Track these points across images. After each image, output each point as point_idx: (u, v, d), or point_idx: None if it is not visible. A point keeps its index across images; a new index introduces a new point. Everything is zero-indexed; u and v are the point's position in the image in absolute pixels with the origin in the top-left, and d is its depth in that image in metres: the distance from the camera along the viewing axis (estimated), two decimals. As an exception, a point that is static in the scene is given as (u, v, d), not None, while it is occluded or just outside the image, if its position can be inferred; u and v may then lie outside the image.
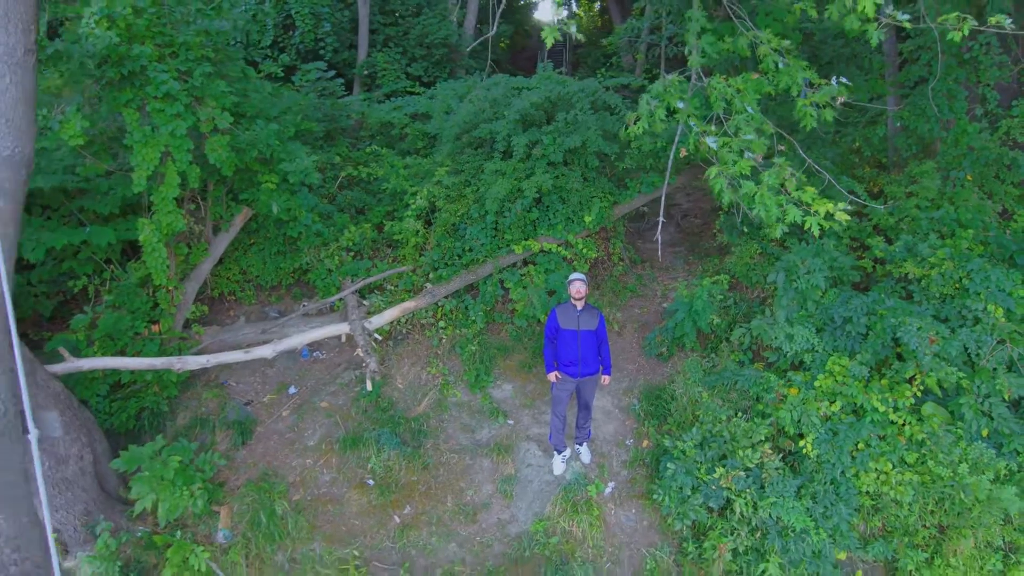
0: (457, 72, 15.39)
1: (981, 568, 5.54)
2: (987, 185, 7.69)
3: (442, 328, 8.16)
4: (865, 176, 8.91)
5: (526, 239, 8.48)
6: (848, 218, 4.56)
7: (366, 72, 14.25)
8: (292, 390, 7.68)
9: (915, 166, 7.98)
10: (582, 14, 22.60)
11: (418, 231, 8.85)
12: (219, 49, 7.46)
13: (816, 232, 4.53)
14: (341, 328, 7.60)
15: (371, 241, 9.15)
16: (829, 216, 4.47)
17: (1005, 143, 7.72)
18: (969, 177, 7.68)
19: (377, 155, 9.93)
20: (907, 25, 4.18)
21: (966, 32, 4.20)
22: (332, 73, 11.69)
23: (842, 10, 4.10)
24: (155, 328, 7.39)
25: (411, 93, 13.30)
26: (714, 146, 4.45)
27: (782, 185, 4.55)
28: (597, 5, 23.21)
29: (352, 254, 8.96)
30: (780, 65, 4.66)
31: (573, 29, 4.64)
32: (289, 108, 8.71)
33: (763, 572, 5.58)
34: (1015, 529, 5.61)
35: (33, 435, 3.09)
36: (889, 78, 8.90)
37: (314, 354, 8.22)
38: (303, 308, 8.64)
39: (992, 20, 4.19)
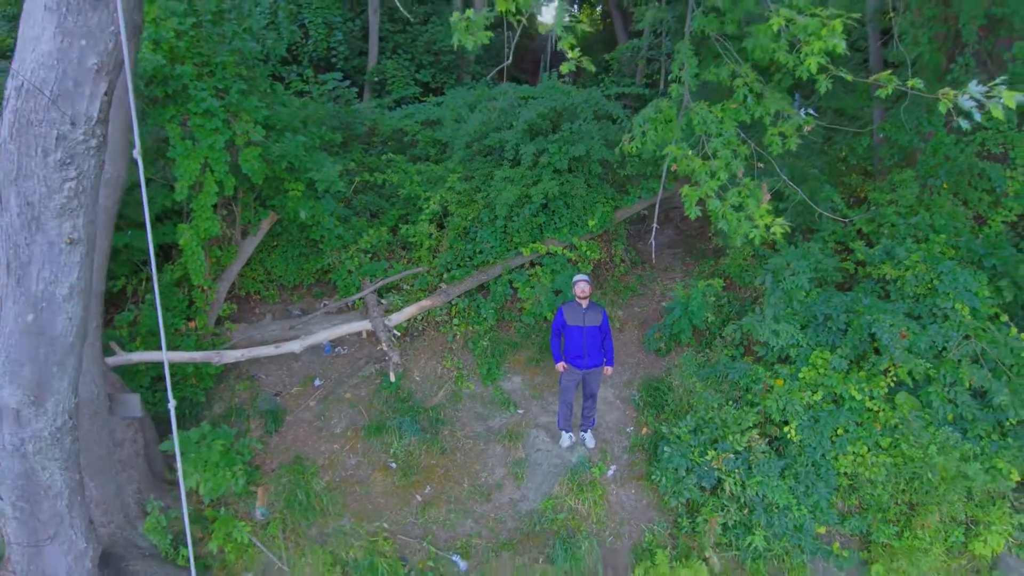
0: (464, 78, 16.10)
1: (945, 540, 6.24)
2: (962, 193, 8.38)
3: (455, 325, 8.87)
4: (852, 183, 9.63)
5: (533, 242, 9.18)
6: (785, 230, 5.26)
7: (376, 79, 14.95)
8: (317, 382, 8.40)
9: (896, 174, 8.68)
10: (584, 18, 23.27)
11: (431, 234, 9.56)
12: (250, 67, 8.19)
13: (758, 242, 5.25)
14: (363, 325, 8.31)
15: (386, 243, 9.85)
16: (768, 228, 5.16)
17: (980, 154, 8.41)
18: (945, 185, 8.37)
19: (392, 162, 10.61)
20: (849, 78, 4.88)
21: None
22: (348, 83, 12.38)
23: (795, 62, 4.79)
24: (191, 325, 8.11)
25: (419, 100, 14.03)
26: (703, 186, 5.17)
27: (742, 204, 5.26)
28: (599, 8, 23.90)
29: (369, 256, 9.67)
30: (750, 100, 5.37)
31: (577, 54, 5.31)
32: (312, 119, 9.41)
33: (750, 544, 6.29)
34: (976, 505, 6.31)
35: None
36: (874, 91, 9.59)
37: (336, 349, 8.93)
38: (324, 307, 9.36)
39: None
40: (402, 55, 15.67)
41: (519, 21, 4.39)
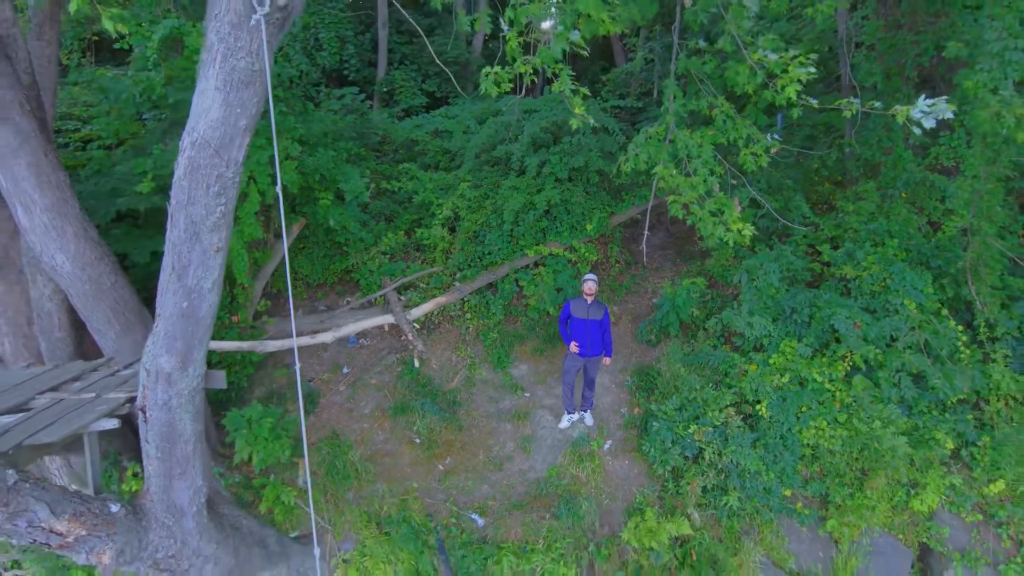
0: (468, 88, 17.33)
1: (891, 499, 7.52)
2: (919, 201, 9.68)
3: (468, 319, 10.11)
4: (824, 192, 10.94)
5: (537, 244, 10.41)
6: (751, 233, 6.53)
7: (385, 89, 16.17)
8: (345, 370, 9.63)
9: (861, 185, 9.97)
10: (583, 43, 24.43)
11: (444, 237, 10.80)
12: (286, 88, 9.41)
13: (731, 243, 6.53)
14: (387, 319, 9.55)
15: (402, 246, 11.08)
16: (740, 232, 6.44)
17: (933, 167, 9.70)
18: (904, 195, 9.67)
19: (407, 171, 11.83)
20: (815, 106, 6.16)
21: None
22: (363, 96, 13.60)
23: (772, 95, 6.05)
24: (235, 319, 9.32)
25: (426, 110, 15.28)
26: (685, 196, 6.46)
27: (720, 211, 6.52)
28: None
29: (388, 256, 10.89)
30: (727, 124, 6.65)
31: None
32: (336, 134, 10.63)
33: (726, 504, 7.55)
34: (916, 470, 7.59)
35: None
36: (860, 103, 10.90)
37: (360, 341, 10.16)
38: (348, 304, 10.57)
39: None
40: (409, 66, 16.91)
41: (533, 81, 5.62)
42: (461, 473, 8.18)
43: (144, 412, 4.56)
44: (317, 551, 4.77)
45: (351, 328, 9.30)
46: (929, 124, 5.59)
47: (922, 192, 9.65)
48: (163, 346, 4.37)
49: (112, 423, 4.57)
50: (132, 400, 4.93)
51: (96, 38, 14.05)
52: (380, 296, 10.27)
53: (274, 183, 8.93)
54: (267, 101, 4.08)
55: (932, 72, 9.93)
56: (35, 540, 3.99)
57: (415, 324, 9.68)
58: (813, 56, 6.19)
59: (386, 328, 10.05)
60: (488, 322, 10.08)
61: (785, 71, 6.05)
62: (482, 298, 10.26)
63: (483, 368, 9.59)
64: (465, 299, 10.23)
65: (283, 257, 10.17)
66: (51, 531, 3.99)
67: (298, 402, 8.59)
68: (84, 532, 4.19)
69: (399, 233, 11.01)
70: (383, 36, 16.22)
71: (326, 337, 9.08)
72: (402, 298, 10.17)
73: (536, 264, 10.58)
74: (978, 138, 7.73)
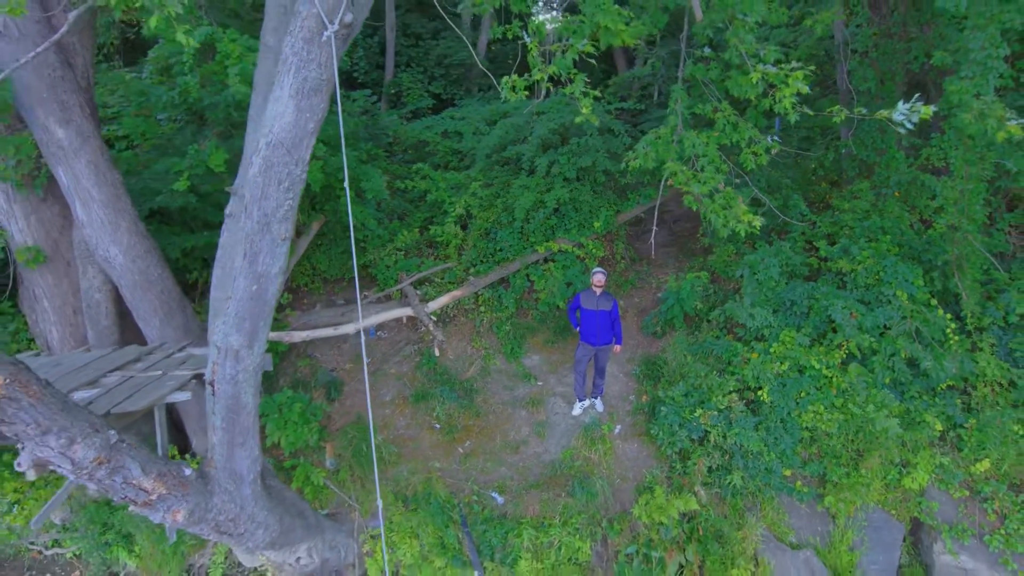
0: (472, 89, 17.95)
1: (884, 478, 8.12)
2: (911, 200, 10.31)
3: (482, 312, 10.69)
4: (821, 191, 11.57)
5: (547, 241, 11.00)
6: (760, 223, 7.12)
7: (392, 91, 16.75)
8: (366, 360, 10.17)
9: (857, 184, 10.61)
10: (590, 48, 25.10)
11: (457, 234, 11.38)
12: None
13: (743, 233, 7.12)
14: (406, 311, 10.12)
15: (415, 242, 11.65)
16: (750, 224, 7.04)
17: (924, 167, 10.33)
18: (897, 193, 10.30)
19: (420, 170, 12.41)
20: (811, 113, 6.76)
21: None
22: (376, 98, 14.17)
23: (770, 103, 6.66)
24: (260, 311, 9.86)
25: (432, 111, 15.86)
26: (696, 191, 7.06)
27: (729, 205, 7.13)
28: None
29: (403, 253, 11.45)
30: (728, 128, 7.26)
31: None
32: (355, 135, 11.21)
33: (730, 482, 8.14)
34: (908, 450, 8.20)
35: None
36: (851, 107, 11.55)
37: (379, 333, 10.72)
38: (366, 298, 11.13)
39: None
40: (415, 68, 17.50)
41: (549, 88, 6.22)
42: (480, 456, 8.76)
43: (213, 385, 5.12)
44: (380, 503, 5.31)
45: (372, 320, 9.86)
46: (909, 125, 6.25)
47: (914, 191, 10.27)
48: (233, 325, 4.93)
49: (185, 395, 5.14)
50: (197, 377, 5.49)
51: (114, 43, 14.55)
52: (397, 290, 10.82)
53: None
54: (327, 107, 4.66)
55: (924, 77, 10.57)
56: (126, 496, 4.54)
57: (432, 316, 10.24)
58: (810, 67, 6.83)
59: (404, 320, 10.62)
60: (501, 315, 10.66)
61: (785, 83, 6.65)
62: (495, 292, 10.83)
63: (497, 358, 10.17)
64: (479, 293, 10.81)
65: (302, 253, 10.75)
66: (140, 488, 4.54)
67: (320, 390, 9.17)
68: (164, 491, 4.74)
69: (413, 231, 11.59)
70: (391, 39, 16.80)
71: (348, 328, 9.64)
72: (418, 292, 10.73)
73: (546, 260, 11.16)
74: (962, 140, 8.36)
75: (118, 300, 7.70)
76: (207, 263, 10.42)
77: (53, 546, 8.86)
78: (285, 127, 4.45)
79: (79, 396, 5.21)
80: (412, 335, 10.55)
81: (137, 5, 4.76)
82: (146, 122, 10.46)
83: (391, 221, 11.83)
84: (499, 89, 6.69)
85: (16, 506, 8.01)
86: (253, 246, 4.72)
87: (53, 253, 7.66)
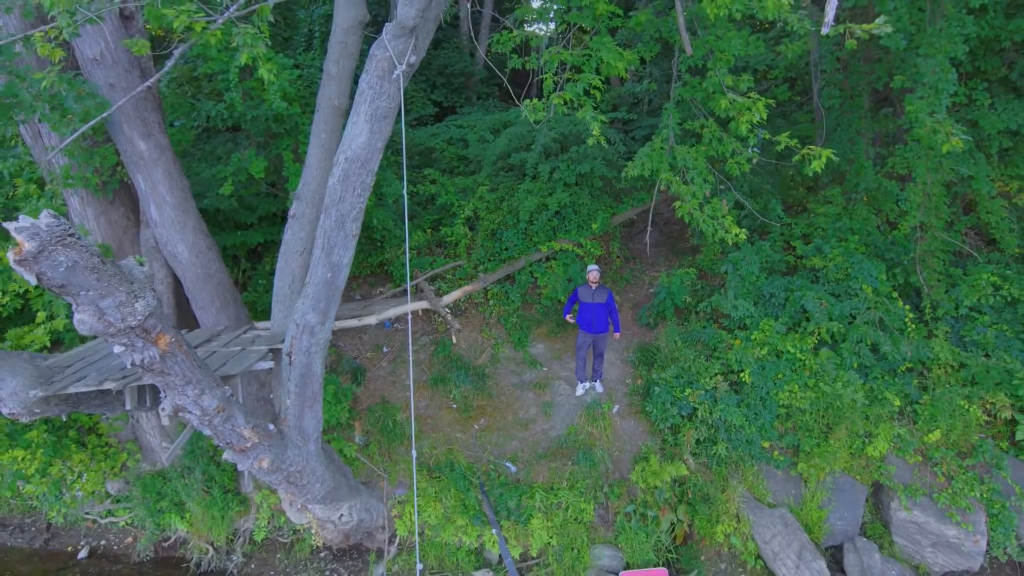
0: (472, 97, 19.26)
1: (849, 447, 9.49)
2: (878, 204, 11.75)
3: (491, 305, 11.99)
4: (798, 195, 12.99)
5: (549, 241, 12.33)
6: (745, 235, 8.45)
7: (398, 99, 17.99)
8: (385, 349, 11.45)
9: (830, 190, 12.03)
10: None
11: (466, 234, 12.68)
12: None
13: (730, 242, 8.45)
14: (422, 304, 11.39)
15: (426, 242, 12.92)
16: (735, 235, 8.38)
17: (889, 175, 11.77)
18: (865, 198, 11.74)
19: (430, 175, 13.68)
20: (767, 135, 8.13)
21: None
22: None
23: (734, 127, 8.00)
24: (290, 304, 11.09)
25: (435, 119, 17.14)
26: (688, 203, 8.41)
27: (716, 216, 8.47)
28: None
29: (416, 251, 12.73)
30: (715, 141, 8.62)
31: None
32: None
33: (715, 452, 9.48)
34: (870, 423, 9.57)
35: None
36: (817, 123, 13.01)
37: (395, 325, 11.99)
38: (381, 293, 12.39)
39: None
40: (418, 76, 18.76)
41: (563, 112, 7.53)
42: (494, 432, 10.05)
43: (290, 356, 6.38)
44: (414, 453, 6.58)
45: (392, 312, 11.12)
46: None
47: (880, 196, 11.71)
48: (311, 306, 6.21)
49: (268, 364, 6.41)
50: (273, 351, 6.76)
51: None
52: (413, 286, 12.09)
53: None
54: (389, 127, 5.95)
55: (889, 93, 12.04)
56: (230, 442, 5.79)
57: (446, 309, 11.52)
58: (783, 86, 8.21)
59: (419, 313, 11.89)
60: (508, 308, 11.96)
61: (749, 109, 7.97)
62: (502, 288, 12.14)
63: (506, 347, 11.48)
64: (487, 288, 12.10)
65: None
66: (241, 435, 5.80)
67: (345, 376, 10.41)
68: (256, 440, 6.00)
69: (426, 231, 12.87)
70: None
71: (370, 320, 10.89)
72: (432, 288, 12.01)
73: (548, 258, 12.48)
74: (924, 150, 9.77)
75: (177, 292, 8.92)
76: (236, 260, 11.68)
77: (107, 516, 10.03)
78: (361, 145, 5.75)
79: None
80: (427, 327, 11.82)
81: (233, 46, 6.00)
82: (181, 132, 11.70)
83: (404, 222, 13.08)
84: (496, 98, 7.94)
85: (83, 475, 9.19)
86: (330, 241, 6.01)
87: (118, 250, 8.86)
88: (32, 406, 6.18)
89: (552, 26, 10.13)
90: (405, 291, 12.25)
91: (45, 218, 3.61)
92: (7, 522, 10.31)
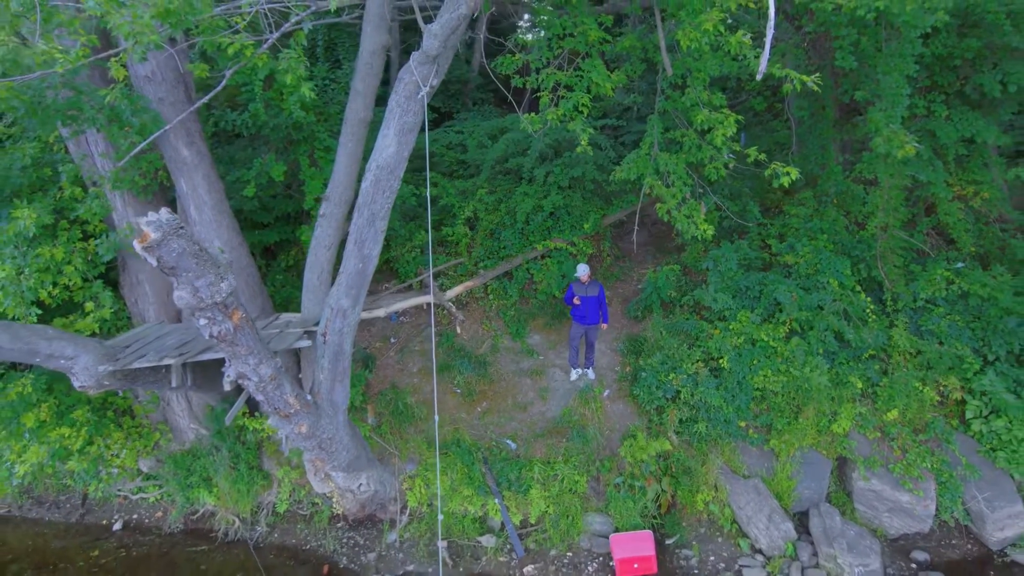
0: (468, 103, 20.42)
1: (816, 425, 10.70)
2: (845, 206, 13.01)
3: (490, 300, 13.14)
4: (774, 198, 14.25)
5: (544, 240, 13.48)
6: (712, 232, 9.63)
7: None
8: (392, 340, 12.57)
9: (803, 193, 13.28)
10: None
11: (466, 234, 13.82)
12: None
13: (700, 237, 9.62)
14: (427, 298, 12.49)
15: (427, 240, 14.03)
16: (704, 232, 9.56)
17: (857, 179, 13.03)
18: (835, 201, 13.00)
19: (432, 179, 14.81)
20: (738, 147, 9.35)
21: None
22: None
23: (710, 138, 9.20)
24: (305, 297, 12.19)
25: (433, 124, 18.28)
26: (668, 203, 9.60)
27: (690, 215, 9.66)
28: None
29: (419, 249, 13.84)
30: (695, 148, 9.83)
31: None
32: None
33: (696, 431, 10.65)
34: (836, 404, 10.78)
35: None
36: (793, 131, 14.27)
37: (400, 319, 13.11)
38: (387, 289, 13.50)
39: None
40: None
41: (558, 124, 8.70)
42: (495, 414, 11.19)
43: (325, 336, 7.51)
44: (437, 418, 7.70)
45: (400, 305, 12.23)
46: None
47: (848, 199, 12.97)
48: (344, 292, 7.34)
49: (307, 342, 7.54)
50: (307, 334, 7.89)
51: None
52: (418, 281, 13.22)
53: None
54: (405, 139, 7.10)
55: (856, 104, 13.31)
56: (278, 407, 6.91)
57: (450, 302, 12.66)
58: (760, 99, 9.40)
59: (424, 307, 13.02)
60: (506, 302, 13.12)
61: (721, 124, 9.15)
62: (501, 283, 13.29)
63: (504, 338, 12.63)
64: (487, 284, 13.25)
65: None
66: (287, 401, 6.91)
67: (356, 364, 11.52)
68: (298, 407, 7.11)
69: (432, 231, 13.98)
70: (395, 57, 19.19)
71: (379, 312, 11.99)
72: (435, 282, 13.14)
73: (543, 256, 13.63)
74: (880, 158, 11.01)
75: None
76: (252, 257, 12.76)
77: (138, 492, 11.09)
78: (390, 155, 6.90)
79: (222, 346, 7.55)
80: (431, 319, 12.93)
81: (281, 69, 7.14)
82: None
83: (407, 223, 14.20)
84: (491, 104, 9.07)
85: (123, 452, 10.26)
86: (361, 236, 7.15)
87: (156, 246, 9.93)
88: (101, 379, 7.27)
89: (543, 33, 11.33)
90: (410, 286, 13.38)
91: (164, 215, 4.73)
92: (43, 499, 11.35)
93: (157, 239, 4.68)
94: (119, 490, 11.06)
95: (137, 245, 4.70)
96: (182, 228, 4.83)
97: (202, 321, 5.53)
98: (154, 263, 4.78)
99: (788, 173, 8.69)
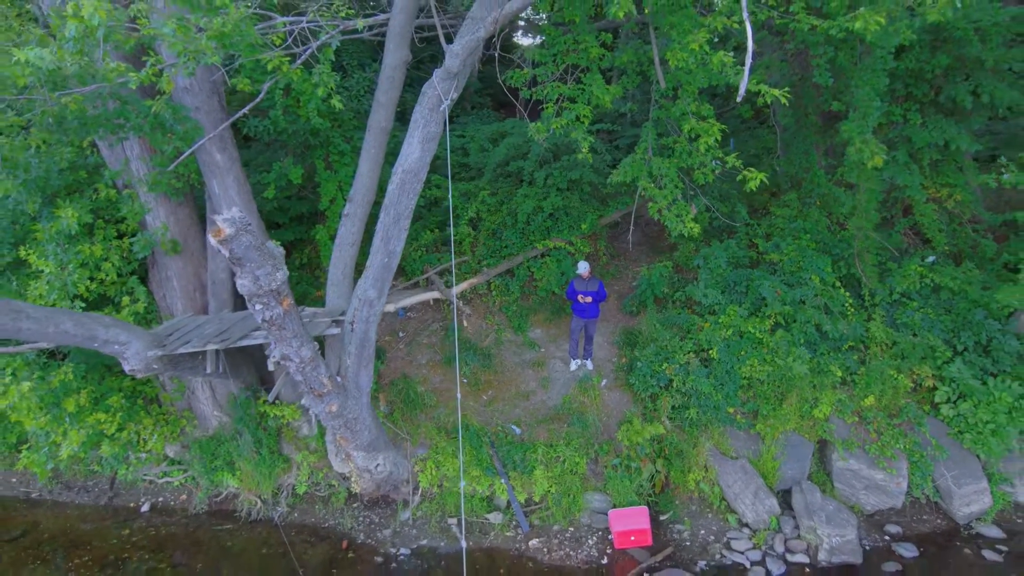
0: (467, 107, 21.35)
1: (799, 411, 11.68)
2: (828, 207, 14.03)
3: (493, 296, 14.08)
4: (762, 200, 15.26)
5: (544, 239, 14.43)
6: (699, 230, 10.60)
7: (399, 109, 20.04)
8: (401, 334, 13.48)
9: (788, 195, 14.30)
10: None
11: (469, 234, 14.75)
12: (360, 118, 13.28)
13: (688, 235, 10.58)
14: (434, 294, 13.43)
15: (433, 241, 14.95)
16: (691, 230, 10.52)
17: (839, 183, 14.05)
18: (817, 203, 14.02)
19: (436, 180, 15.74)
20: (720, 155, 10.33)
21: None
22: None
23: (697, 144, 10.18)
24: (319, 294, 13.09)
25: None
26: (659, 203, 10.56)
27: (680, 215, 10.63)
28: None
29: (424, 248, 14.75)
30: (686, 153, 10.82)
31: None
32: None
33: (687, 416, 11.61)
34: (817, 391, 11.77)
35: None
36: (778, 137, 15.30)
37: (407, 314, 14.01)
38: (394, 286, 14.39)
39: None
40: (416, 87, 20.83)
41: (560, 132, 9.65)
42: (500, 402, 12.12)
43: (352, 324, 8.42)
44: (459, 396, 8.63)
45: (408, 301, 13.15)
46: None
47: (830, 201, 13.99)
48: (371, 284, 8.26)
49: (336, 330, 8.43)
50: (335, 323, 8.79)
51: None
52: (424, 279, 14.13)
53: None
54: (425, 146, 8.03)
55: (837, 113, 14.35)
56: (313, 387, 7.80)
57: (457, 297, 13.57)
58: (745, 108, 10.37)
59: (430, 303, 13.93)
60: (508, 298, 14.05)
61: (708, 132, 10.13)
62: (503, 280, 14.22)
63: (507, 332, 13.56)
64: (490, 281, 14.18)
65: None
66: (322, 381, 7.81)
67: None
68: (330, 388, 8.02)
69: (433, 231, 14.93)
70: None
71: (388, 307, 12.90)
72: (440, 280, 14.05)
73: (543, 255, 14.57)
74: (855, 165, 12.02)
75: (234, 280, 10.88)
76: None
77: (163, 476, 11.94)
78: (414, 160, 7.83)
79: (259, 333, 8.45)
80: (436, 314, 13.86)
81: (314, 84, 8.04)
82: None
83: (412, 223, 15.11)
84: (489, 108, 10.01)
85: (154, 437, 11.11)
86: (387, 233, 8.07)
87: (185, 242, 10.81)
88: (150, 363, 8.15)
89: (541, 39, 12.28)
90: (416, 284, 14.29)
91: (236, 212, 5.64)
92: (72, 484, 12.19)
93: (231, 234, 5.59)
94: (145, 474, 11.91)
95: (212, 239, 5.60)
96: (249, 225, 5.73)
97: (258, 307, 6.43)
98: (227, 254, 5.68)
99: (756, 177, 9.56)
